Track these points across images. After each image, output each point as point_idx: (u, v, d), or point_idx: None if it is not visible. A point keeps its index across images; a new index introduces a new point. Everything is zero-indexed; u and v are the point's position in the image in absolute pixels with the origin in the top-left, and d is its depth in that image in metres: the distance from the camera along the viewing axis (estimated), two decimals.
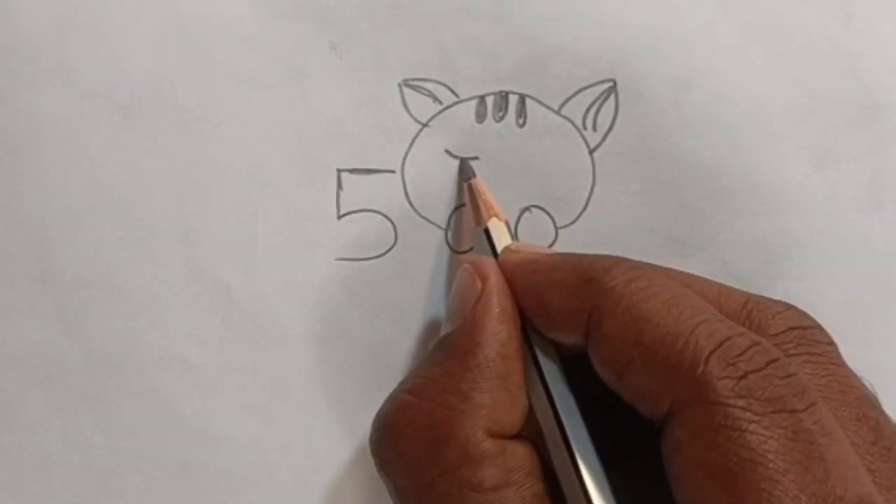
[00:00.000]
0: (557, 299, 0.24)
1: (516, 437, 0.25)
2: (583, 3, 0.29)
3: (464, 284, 0.26)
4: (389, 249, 0.29)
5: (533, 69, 0.29)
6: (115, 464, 0.29)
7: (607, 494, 0.23)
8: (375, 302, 0.29)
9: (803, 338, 0.24)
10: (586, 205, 0.30)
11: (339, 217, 0.29)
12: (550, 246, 0.30)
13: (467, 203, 0.29)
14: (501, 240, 0.27)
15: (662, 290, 0.23)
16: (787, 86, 0.30)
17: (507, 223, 0.28)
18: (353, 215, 0.29)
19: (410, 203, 0.29)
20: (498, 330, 0.25)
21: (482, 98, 0.29)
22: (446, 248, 0.29)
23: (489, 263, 0.26)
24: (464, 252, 0.30)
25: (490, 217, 0.28)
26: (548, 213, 0.30)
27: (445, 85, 0.29)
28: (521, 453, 0.24)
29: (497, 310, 0.25)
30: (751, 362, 0.22)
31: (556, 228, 0.30)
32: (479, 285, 0.25)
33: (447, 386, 0.24)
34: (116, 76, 0.29)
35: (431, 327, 0.29)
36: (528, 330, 0.25)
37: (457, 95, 0.29)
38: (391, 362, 0.29)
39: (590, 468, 0.24)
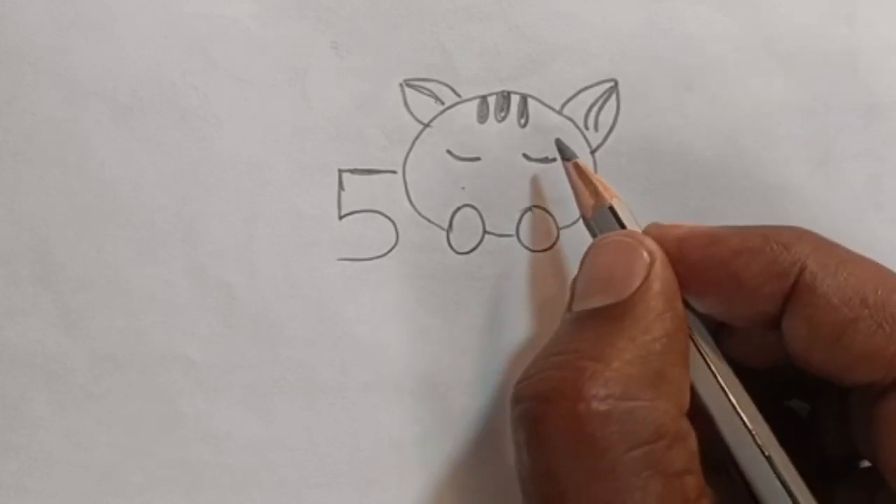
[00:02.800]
0: (752, 265, 0.23)
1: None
2: (584, 3, 0.29)
3: (626, 256, 0.24)
4: (391, 250, 0.29)
5: (534, 69, 0.29)
6: (117, 462, 0.29)
7: (799, 479, 0.23)
8: (376, 302, 0.29)
9: None
10: None
11: (341, 217, 0.29)
12: (552, 246, 0.30)
13: (575, 183, 0.28)
14: (627, 219, 0.26)
15: (863, 258, 0.23)
16: (788, 86, 0.30)
17: (627, 203, 0.27)
18: (355, 215, 0.29)
19: (412, 203, 0.29)
20: (675, 305, 0.24)
21: (484, 98, 0.29)
22: (448, 249, 0.29)
23: (649, 238, 0.25)
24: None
25: (612, 196, 0.27)
26: (549, 214, 0.30)
27: (447, 85, 0.29)
28: (694, 437, 0.23)
29: (673, 284, 0.24)
30: None
31: (558, 229, 0.30)
32: (647, 257, 0.24)
33: (634, 356, 0.22)
34: (118, 76, 0.29)
35: (432, 327, 0.30)
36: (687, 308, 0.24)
37: (458, 95, 0.29)
38: (391, 362, 0.30)
39: (776, 452, 0.23)
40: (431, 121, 0.29)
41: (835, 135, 0.30)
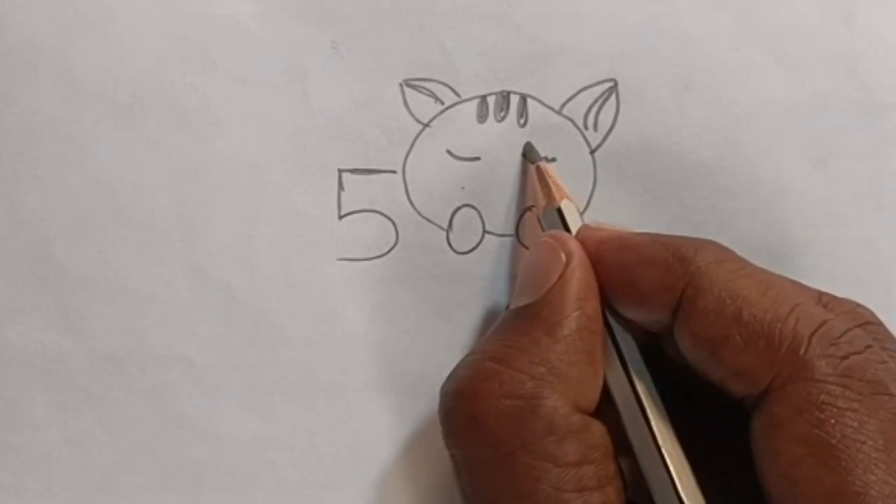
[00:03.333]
0: (648, 275, 0.24)
1: (593, 414, 0.25)
2: (584, 3, 0.29)
3: (545, 257, 0.26)
4: (391, 250, 0.29)
5: (534, 69, 0.29)
6: (117, 462, 0.29)
7: (688, 473, 0.24)
8: (376, 302, 0.29)
9: (878, 333, 0.24)
10: (587, 204, 0.30)
11: (341, 217, 0.29)
12: None
13: (535, 186, 0.29)
14: (573, 220, 0.27)
15: (755, 272, 0.24)
16: (788, 86, 0.30)
17: (576, 205, 0.28)
18: (355, 215, 0.29)
19: (412, 203, 0.29)
20: (584, 304, 0.25)
21: (483, 98, 0.29)
22: (448, 249, 0.29)
23: (571, 238, 0.26)
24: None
25: (562, 198, 0.28)
26: None
27: (447, 85, 0.29)
28: (599, 431, 0.24)
29: (585, 283, 0.25)
30: (851, 345, 0.22)
31: None
32: (564, 258, 0.25)
33: (534, 356, 0.24)
34: (118, 76, 0.29)
35: (432, 327, 0.30)
36: (606, 308, 0.25)
37: (458, 95, 0.29)
38: (391, 362, 0.30)
39: (671, 446, 0.24)
40: (431, 121, 0.29)
41: (835, 135, 0.30)
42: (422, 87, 0.29)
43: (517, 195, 0.30)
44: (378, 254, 0.29)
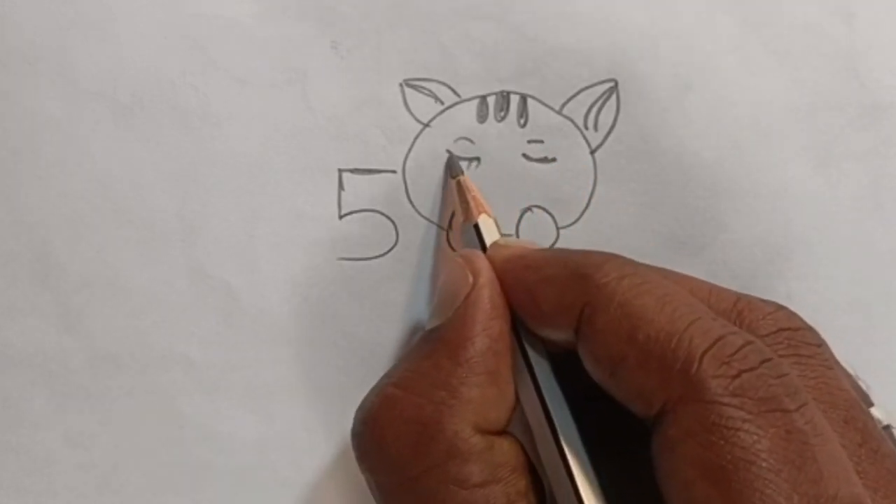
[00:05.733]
0: (548, 295, 0.24)
1: (502, 433, 0.25)
2: (584, 3, 0.29)
3: (453, 278, 0.26)
4: (391, 249, 0.29)
5: (534, 69, 0.29)
6: (117, 462, 0.29)
7: (596, 489, 0.23)
8: (376, 302, 0.29)
9: (793, 339, 0.24)
10: (588, 205, 0.30)
11: (341, 217, 0.29)
12: (552, 247, 0.30)
13: (455, 200, 0.29)
14: (490, 236, 0.27)
15: (655, 287, 0.23)
16: (788, 86, 0.30)
17: (495, 220, 0.28)
18: (355, 215, 0.29)
19: (412, 203, 0.29)
20: (489, 325, 0.25)
21: (483, 98, 0.29)
22: (448, 249, 0.29)
23: (480, 258, 0.26)
24: None
25: (480, 213, 0.28)
26: (549, 214, 0.30)
27: (447, 85, 0.29)
28: (507, 449, 0.24)
29: (488, 305, 0.25)
30: (745, 361, 0.22)
31: (558, 228, 0.30)
32: (471, 279, 0.25)
33: (435, 380, 0.24)
34: (118, 76, 0.29)
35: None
36: (518, 326, 0.25)
37: (458, 95, 0.29)
38: (391, 362, 0.30)
39: (579, 463, 0.24)
40: (431, 121, 0.29)
41: (836, 135, 0.30)
42: (422, 87, 0.29)
43: (517, 195, 0.30)
44: (378, 253, 0.29)
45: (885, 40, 0.30)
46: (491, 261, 0.26)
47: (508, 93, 0.29)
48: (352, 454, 0.29)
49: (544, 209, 0.30)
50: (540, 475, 0.25)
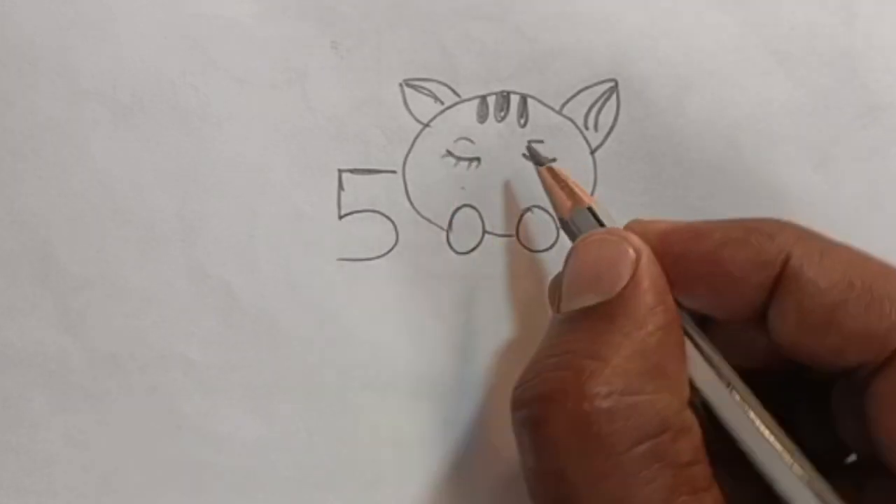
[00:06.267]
0: (737, 256, 0.23)
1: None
2: (584, 3, 0.29)
3: (611, 254, 0.24)
4: (390, 250, 0.29)
5: (534, 69, 0.29)
6: (117, 463, 0.29)
7: (797, 451, 0.23)
8: (376, 302, 0.29)
9: None
10: None
11: (340, 217, 0.29)
12: (552, 246, 0.30)
13: (551, 188, 0.28)
14: (607, 219, 0.26)
15: (843, 245, 0.23)
16: (788, 86, 0.30)
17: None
18: (355, 215, 0.29)
19: (412, 203, 0.29)
20: (665, 297, 0.24)
21: (483, 98, 0.29)
22: (448, 249, 0.29)
23: (633, 234, 0.25)
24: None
25: (590, 198, 0.27)
26: (549, 214, 0.30)
27: (447, 85, 0.29)
28: (698, 427, 0.23)
29: (660, 278, 0.24)
30: None
31: (558, 229, 0.30)
32: (633, 254, 0.24)
33: (632, 352, 0.22)
34: (118, 76, 0.29)
35: (432, 327, 0.30)
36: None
37: (458, 95, 0.29)
38: (391, 362, 0.30)
39: (776, 429, 0.23)
40: (431, 121, 0.29)
41: (835, 135, 0.30)
42: (422, 87, 0.29)
43: (517, 195, 0.30)
44: (378, 254, 0.29)
45: (885, 40, 0.30)
46: (644, 236, 0.25)
47: (508, 93, 0.29)
48: (351, 454, 0.29)
49: (544, 209, 0.30)
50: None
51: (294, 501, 0.30)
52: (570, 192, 0.27)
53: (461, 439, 0.30)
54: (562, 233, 0.29)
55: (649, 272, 0.24)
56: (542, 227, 0.30)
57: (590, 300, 0.24)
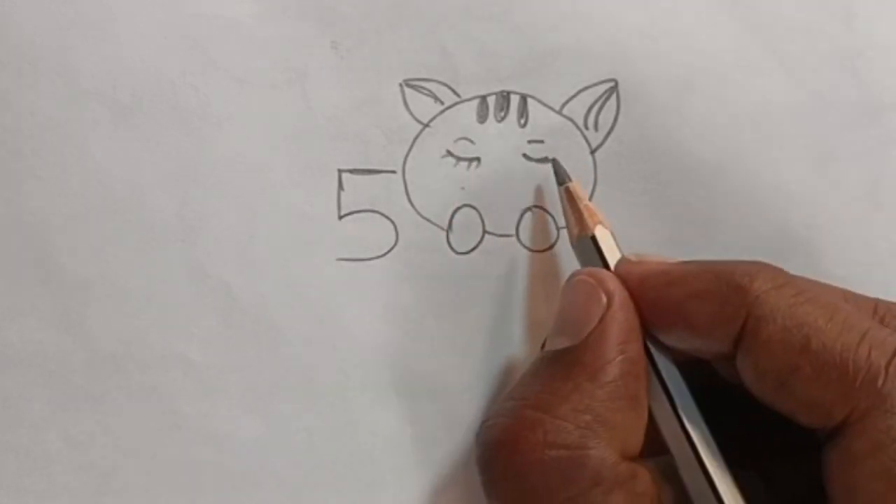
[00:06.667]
0: (703, 309, 0.23)
1: (638, 460, 0.24)
2: (584, 3, 0.29)
3: (584, 298, 0.25)
4: (390, 250, 0.29)
5: (534, 69, 0.29)
6: (117, 463, 0.29)
7: None
8: (376, 302, 0.29)
9: None
10: None
11: (340, 217, 0.29)
12: (552, 246, 0.30)
13: (565, 209, 0.28)
14: (609, 249, 0.26)
15: (816, 296, 0.23)
16: (788, 86, 0.30)
17: (612, 231, 0.27)
18: (354, 215, 0.29)
19: (411, 203, 0.29)
20: (627, 348, 0.24)
21: (483, 98, 0.29)
22: (448, 249, 0.29)
23: (611, 277, 0.25)
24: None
25: (595, 224, 0.27)
26: (549, 214, 0.30)
27: (447, 85, 0.29)
28: (646, 479, 0.23)
29: (626, 327, 0.24)
30: None
31: (558, 229, 0.30)
32: (604, 300, 0.24)
33: (578, 404, 0.23)
34: (117, 76, 0.29)
35: (432, 327, 0.29)
36: (650, 344, 0.25)
37: (458, 95, 0.29)
38: (391, 362, 0.29)
39: (725, 483, 0.23)
40: (431, 121, 0.29)
41: (835, 135, 0.30)
42: (422, 87, 0.29)
43: (517, 195, 0.30)
44: (378, 254, 0.29)
45: (885, 40, 0.30)
46: (622, 277, 0.25)
47: (508, 93, 0.29)
48: (351, 454, 0.29)
49: (544, 209, 0.30)
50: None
51: (294, 501, 0.29)
52: (580, 218, 0.27)
53: (461, 439, 0.29)
54: (562, 232, 0.29)
55: (617, 320, 0.24)
56: (542, 226, 0.30)
57: (562, 343, 0.24)
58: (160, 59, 0.29)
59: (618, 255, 0.26)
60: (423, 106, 0.29)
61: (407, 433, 0.30)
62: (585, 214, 0.27)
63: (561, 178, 0.28)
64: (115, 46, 0.29)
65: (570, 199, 0.28)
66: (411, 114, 0.29)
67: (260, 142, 0.29)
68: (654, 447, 0.25)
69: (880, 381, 0.21)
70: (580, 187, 0.28)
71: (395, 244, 0.29)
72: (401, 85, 0.29)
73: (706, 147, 0.30)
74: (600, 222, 0.27)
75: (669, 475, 0.24)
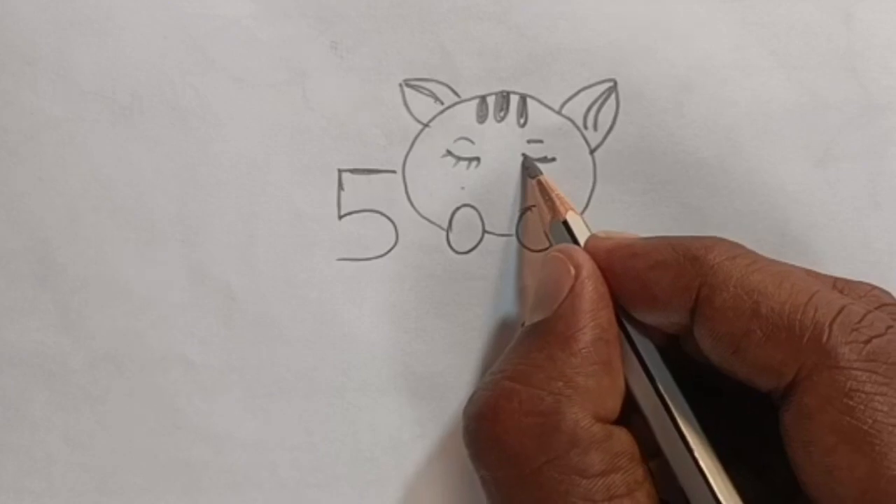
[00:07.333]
0: (662, 279, 0.24)
1: (616, 422, 0.25)
2: (584, 3, 0.29)
3: (555, 272, 0.26)
4: (390, 250, 0.29)
5: (534, 69, 0.29)
6: (117, 463, 0.29)
7: (721, 471, 0.24)
8: (376, 302, 0.29)
9: (894, 313, 0.24)
10: (587, 204, 0.30)
11: (340, 217, 0.29)
12: (551, 246, 0.30)
13: (538, 200, 0.29)
14: (580, 231, 0.27)
15: (768, 265, 0.24)
16: (787, 86, 0.30)
17: (582, 216, 0.28)
18: (354, 215, 0.29)
19: (411, 203, 0.29)
20: (597, 315, 0.25)
21: (483, 98, 0.29)
22: (448, 249, 0.29)
23: (579, 251, 0.26)
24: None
25: (567, 210, 0.28)
26: None
27: (446, 85, 0.29)
28: (624, 438, 0.24)
29: (595, 295, 0.25)
30: (872, 328, 0.22)
31: None
32: (573, 272, 0.25)
33: (552, 372, 0.24)
34: (117, 76, 0.29)
35: (432, 327, 0.30)
36: (622, 315, 0.25)
37: (458, 95, 0.29)
38: (391, 362, 0.30)
39: (700, 444, 0.24)
40: (431, 121, 0.29)
41: (834, 135, 0.30)
42: (422, 87, 0.29)
43: (517, 195, 0.30)
44: (378, 254, 0.29)
45: (883, 40, 0.30)
46: (591, 252, 0.26)
47: (508, 93, 0.29)
48: (351, 454, 0.30)
49: None
50: (648, 465, 0.25)
51: (294, 501, 0.30)
52: (552, 205, 0.28)
53: (461, 439, 0.29)
54: None
55: (586, 290, 0.25)
56: (542, 226, 0.30)
57: (538, 317, 0.25)
58: (160, 60, 0.29)
59: (586, 236, 0.27)
60: (423, 106, 0.29)
61: (407, 433, 0.30)
62: (557, 202, 0.28)
63: (532, 171, 0.29)
64: (115, 46, 0.29)
65: (542, 190, 0.28)
66: (411, 114, 0.29)
67: (260, 142, 0.29)
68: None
69: (824, 338, 0.22)
70: (552, 180, 0.29)
71: (395, 244, 0.29)
72: (401, 85, 0.29)
73: (705, 147, 0.30)
74: (571, 209, 0.28)
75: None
